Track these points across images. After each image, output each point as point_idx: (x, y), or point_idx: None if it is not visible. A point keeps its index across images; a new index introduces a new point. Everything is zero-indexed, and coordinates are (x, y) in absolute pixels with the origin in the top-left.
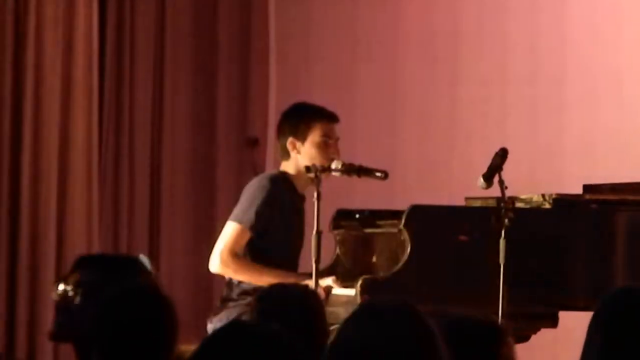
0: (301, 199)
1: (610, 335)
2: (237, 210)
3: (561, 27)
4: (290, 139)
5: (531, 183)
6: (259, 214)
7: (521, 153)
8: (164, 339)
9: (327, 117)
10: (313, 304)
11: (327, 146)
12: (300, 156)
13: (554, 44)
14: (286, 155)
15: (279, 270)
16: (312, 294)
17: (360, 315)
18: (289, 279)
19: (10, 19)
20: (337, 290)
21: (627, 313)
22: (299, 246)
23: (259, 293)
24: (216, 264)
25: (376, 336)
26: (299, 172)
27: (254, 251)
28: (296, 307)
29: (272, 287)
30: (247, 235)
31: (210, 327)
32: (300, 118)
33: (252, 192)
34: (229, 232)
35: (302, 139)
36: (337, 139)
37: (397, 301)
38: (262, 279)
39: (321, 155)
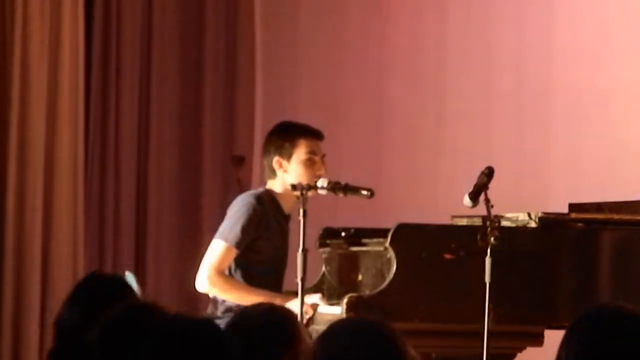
0: (286, 219)
1: (578, 357)
2: (223, 227)
3: (547, 43)
4: (276, 158)
5: (517, 201)
6: (244, 231)
7: (506, 170)
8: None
9: (311, 134)
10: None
11: (313, 163)
12: (286, 175)
13: (540, 60)
14: (272, 174)
15: (264, 291)
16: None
17: (333, 332)
18: (275, 300)
19: None
20: (323, 309)
21: (595, 334)
22: (284, 265)
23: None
24: (203, 282)
25: (350, 353)
26: (285, 191)
27: (238, 269)
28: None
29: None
30: (233, 253)
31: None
32: (285, 136)
33: (237, 210)
34: (215, 250)
35: (288, 157)
36: (323, 156)
37: (369, 319)
38: (249, 299)
39: (307, 173)
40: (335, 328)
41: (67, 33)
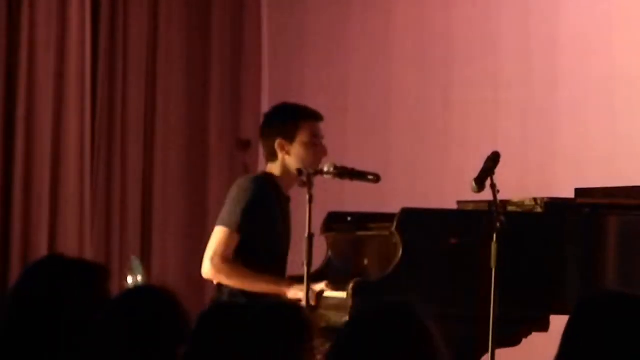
0: (287, 200)
1: (583, 341)
2: (224, 213)
3: (553, 31)
4: (278, 140)
5: (523, 186)
6: (245, 215)
7: (513, 156)
8: (174, 335)
9: (314, 116)
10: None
11: (316, 145)
12: (289, 157)
13: (546, 47)
14: (273, 156)
15: (270, 276)
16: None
17: (360, 317)
18: (280, 285)
19: (3, 23)
20: (329, 294)
21: (599, 319)
22: (286, 248)
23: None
24: (208, 269)
25: (376, 337)
26: (285, 173)
27: (241, 254)
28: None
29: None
30: (236, 238)
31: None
32: (288, 118)
33: (236, 194)
34: (218, 237)
35: (291, 139)
36: (322, 138)
37: (396, 302)
38: (254, 284)
39: (311, 155)
40: (363, 313)
41: (74, 22)
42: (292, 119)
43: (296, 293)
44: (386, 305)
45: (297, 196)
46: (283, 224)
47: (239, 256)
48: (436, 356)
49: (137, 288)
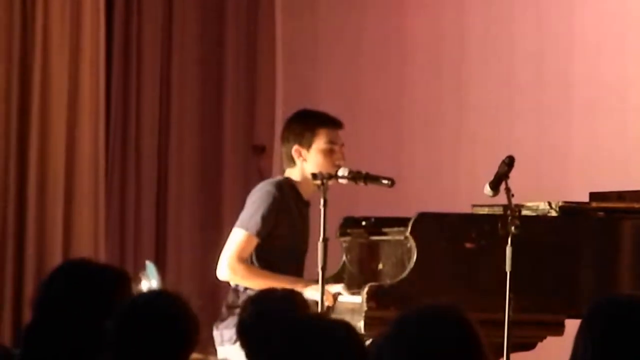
0: (306, 205)
1: (595, 345)
2: (243, 216)
3: (568, 33)
4: (295, 147)
5: (537, 190)
6: (264, 219)
7: (528, 160)
8: (185, 341)
9: (331, 123)
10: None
11: (333, 152)
12: (306, 163)
13: (561, 50)
14: (291, 162)
15: (286, 276)
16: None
17: (406, 317)
18: (297, 285)
19: (17, 23)
20: (344, 298)
21: (611, 322)
22: (304, 252)
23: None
24: (224, 270)
25: (421, 339)
26: (304, 179)
27: (259, 257)
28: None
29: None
30: (254, 242)
31: (217, 333)
32: (305, 125)
33: (257, 198)
34: (236, 238)
35: (308, 146)
36: (342, 145)
37: (444, 305)
38: (271, 285)
39: (327, 162)
40: (410, 313)
41: (88, 28)
42: (309, 126)
43: (313, 294)
44: (436, 307)
45: (313, 201)
46: (301, 228)
47: (257, 259)
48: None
49: (147, 293)
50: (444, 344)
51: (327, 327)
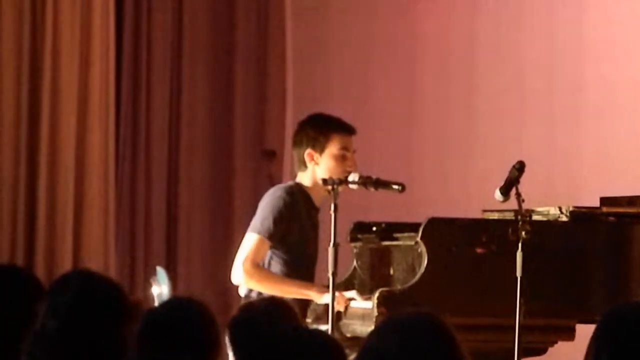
0: (316, 211)
1: (610, 353)
2: (256, 221)
3: (578, 38)
4: (308, 150)
5: (548, 195)
6: (276, 224)
7: (538, 165)
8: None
9: (345, 129)
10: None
11: (345, 159)
12: (317, 167)
13: (571, 54)
14: (303, 166)
15: (300, 281)
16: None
17: (384, 327)
18: (311, 290)
19: (27, 27)
20: (355, 303)
21: (626, 330)
22: (315, 257)
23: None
24: (239, 275)
25: (400, 348)
26: (315, 184)
27: (271, 261)
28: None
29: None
30: (267, 246)
31: (227, 339)
32: (319, 129)
33: (269, 202)
34: (249, 243)
35: (320, 150)
36: (354, 152)
37: (420, 312)
38: (285, 289)
39: (339, 168)
40: (388, 323)
41: (98, 31)
42: (322, 130)
43: (326, 299)
44: (412, 314)
45: (323, 206)
46: (312, 233)
47: (269, 263)
48: None
49: (172, 300)
50: (421, 352)
51: (307, 337)
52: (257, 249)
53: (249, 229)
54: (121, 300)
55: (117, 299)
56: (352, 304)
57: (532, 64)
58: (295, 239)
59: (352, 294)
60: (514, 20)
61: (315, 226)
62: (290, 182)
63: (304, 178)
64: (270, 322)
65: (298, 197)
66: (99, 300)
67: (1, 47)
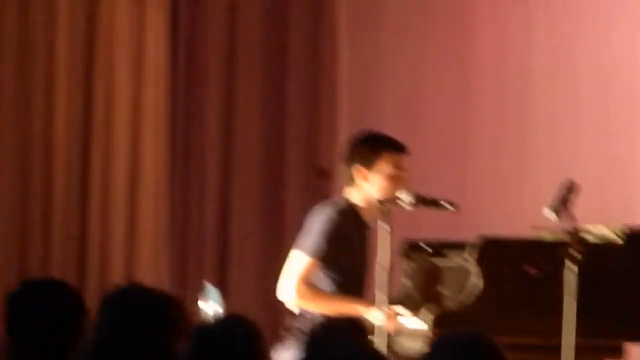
0: (367, 228)
1: None
2: (305, 239)
3: (633, 49)
4: (358, 167)
5: (601, 212)
6: (326, 243)
7: (592, 182)
8: None
9: (397, 148)
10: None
11: (396, 178)
12: (367, 185)
13: (626, 66)
14: (351, 181)
15: (349, 298)
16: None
17: (437, 347)
18: (360, 307)
19: (80, 42)
20: (404, 321)
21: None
22: (365, 275)
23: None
24: (290, 293)
25: None
26: (365, 201)
27: (319, 279)
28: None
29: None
30: (315, 264)
31: (276, 355)
32: (371, 147)
33: (319, 222)
34: (300, 263)
35: (371, 167)
36: (405, 170)
37: (472, 332)
38: (336, 307)
39: (389, 187)
40: (441, 343)
41: (152, 55)
42: (374, 147)
43: (376, 315)
44: (465, 334)
45: (374, 223)
46: (362, 251)
47: (318, 282)
48: None
49: (223, 318)
50: None
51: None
52: (308, 269)
53: (298, 247)
54: (170, 315)
55: (165, 315)
56: (401, 319)
57: (586, 79)
58: (345, 258)
59: (402, 310)
60: (569, 32)
61: (364, 243)
62: (339, 200)
63: (353, 194)
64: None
65: (348, 215)
66: (147, 316)
67: (57, 63)
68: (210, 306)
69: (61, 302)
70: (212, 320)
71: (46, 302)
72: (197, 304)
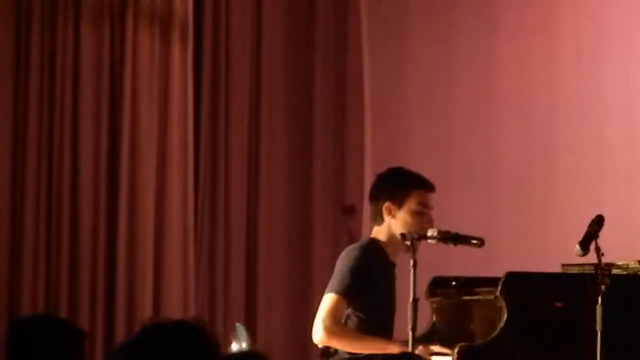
0: (392, 266)
1: None
2: (333, 281)
3: None
4: (386, 204)
5: (628, 248)
6: (353, 284)
7: (618, 219)
8: None
9: (425, 186)
10: None
11: (423, 215)
12: (394, 222)
13: None
14: (379, 219)
15: (381, 338)
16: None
17: None
18: (391, 347)
19: (106, 74)
20: (436, 358)
21: None
22: (392, 313)
23: None
24: (321, 334)
25: None
26: (391, 238)
27: (349, 320)
28: None
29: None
30: (345, 305)
31: None
32: (399, 184)
33: (345, 263)
34: (328, 303)
35: (399, 205)
36: (431, 208)
37: None
38: (366, 347)
39: (416, 224)
40: None
41: (177, 87)
42: (403, 185)
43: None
44: None
45: (401, 260)
46: (388, 289)
47: (347, 322)
48: None
49: (236, 353)
50: None
51: None
52: (336, 308)
53: (327, 289)
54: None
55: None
56: (435, 358)
57: (611, 119)
58: (372, 297)
59: (436, 347)
60: (593, 74)
61: (392, 282)
62: (365, 239)
63: (380, 232)
64: None
65: (374, 254)
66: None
67: (82, 104)
68: (243, 347)
69: (61, 340)
70: (227, 355)
71: (46, 340)
72: (229, 345)
